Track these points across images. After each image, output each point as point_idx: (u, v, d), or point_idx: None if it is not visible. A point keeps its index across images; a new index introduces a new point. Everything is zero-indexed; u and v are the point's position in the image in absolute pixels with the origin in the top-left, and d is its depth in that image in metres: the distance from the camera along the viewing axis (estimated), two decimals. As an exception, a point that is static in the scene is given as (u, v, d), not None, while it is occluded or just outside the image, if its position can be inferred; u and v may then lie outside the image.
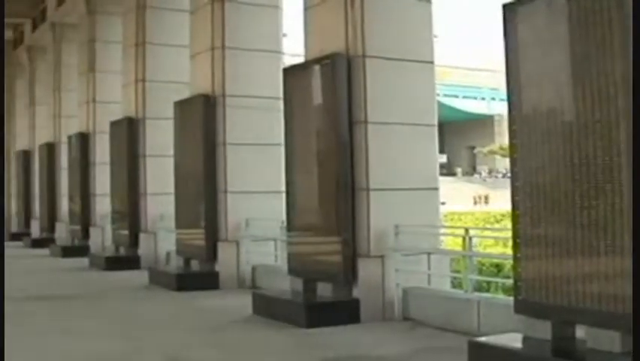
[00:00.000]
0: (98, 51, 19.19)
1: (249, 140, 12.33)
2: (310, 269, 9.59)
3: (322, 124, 9.49)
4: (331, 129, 9.26)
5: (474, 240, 8.40)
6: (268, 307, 9.39)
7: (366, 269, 8.91)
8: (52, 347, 7.85)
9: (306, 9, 10.08)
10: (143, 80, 15.62)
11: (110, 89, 18.30)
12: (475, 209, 38.04)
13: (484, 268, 10.48)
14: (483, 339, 6.62)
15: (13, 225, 28.79)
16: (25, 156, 26.92)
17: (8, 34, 29.38)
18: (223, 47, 12.40)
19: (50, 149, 23.15)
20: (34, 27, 26.21)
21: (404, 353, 7.32)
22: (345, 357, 7.28)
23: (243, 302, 9.90)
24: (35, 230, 24.98)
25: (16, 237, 25.69)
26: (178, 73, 14.77)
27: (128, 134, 15.86)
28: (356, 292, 8.91)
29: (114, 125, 16.76)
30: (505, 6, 6.60)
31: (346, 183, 9.02)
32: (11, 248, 22.65)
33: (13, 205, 29.31)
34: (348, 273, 8.92)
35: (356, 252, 8.97)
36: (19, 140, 28.90)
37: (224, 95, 12.31)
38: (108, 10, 19.11)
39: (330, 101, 9.31)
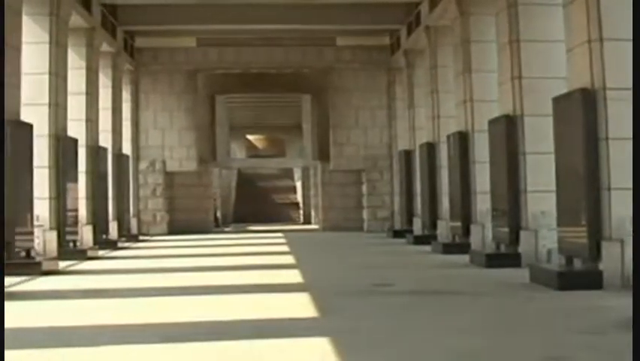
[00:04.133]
0: (472, 51, 19.50)
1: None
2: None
3: None
4: None
5: None
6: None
7: None
8: (429, 341, 8.02)
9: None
10: (519, 77, 15.61)
11: (487, 88, 18.53)
12: None
13: None
14: None
15: (396, 222, 30.12)
16: (407, 156, 27.98)
17: (385, 40, 30.88)
18: (601, 38, 12.00)
19: (430, 148, 23.87)
20: (410, 32, 27.19)
21: None
22: None
23: (627, 303, 9.51)
24: (417, 227, 25.90)
25: (398, 234, 26.86)
26: (554, 68, 14.61)
27: (507, 131, 15.93)
28: None
29: (492, 123, 16.94)
30: None
31: None
32: (395, 245, 23.85)
33: (395, 203, 30.65)
34: None
35: None
36: (400, 141, 30.20)
37: (604, 89, 11.91)
38: (480, 10, 19.37)
39: None
